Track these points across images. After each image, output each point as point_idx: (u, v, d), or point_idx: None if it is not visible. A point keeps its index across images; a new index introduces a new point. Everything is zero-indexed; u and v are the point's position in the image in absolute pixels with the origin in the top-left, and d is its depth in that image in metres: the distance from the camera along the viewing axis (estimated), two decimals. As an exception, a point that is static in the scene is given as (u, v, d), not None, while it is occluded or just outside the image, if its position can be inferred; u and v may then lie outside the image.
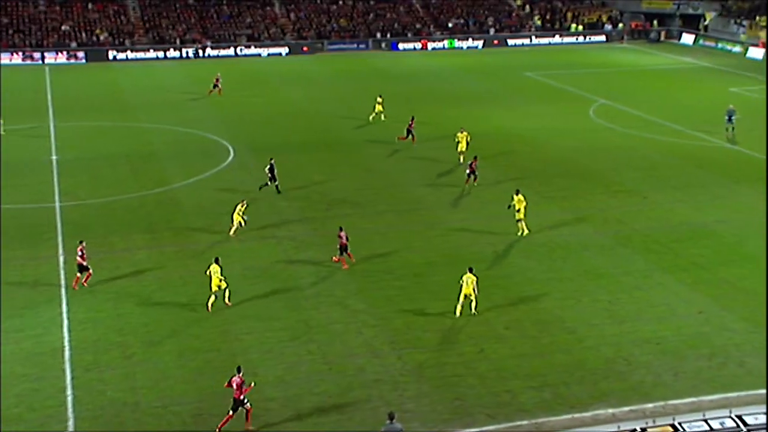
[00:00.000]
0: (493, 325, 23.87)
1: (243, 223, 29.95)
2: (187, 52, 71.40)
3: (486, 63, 69.36)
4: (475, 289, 24.08)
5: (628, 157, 40.06)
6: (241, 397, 19.14)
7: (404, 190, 35.67)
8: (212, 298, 24.54)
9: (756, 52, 71.97)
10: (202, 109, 51.20)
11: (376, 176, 37.53)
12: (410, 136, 41.64)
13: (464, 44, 77.95)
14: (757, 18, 70.50)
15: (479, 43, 78.21)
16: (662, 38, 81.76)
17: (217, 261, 24.96)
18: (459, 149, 38.25)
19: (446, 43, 77.66)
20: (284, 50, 73.61)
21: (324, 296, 25.67)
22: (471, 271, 24.38)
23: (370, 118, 47.08)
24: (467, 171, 34.85)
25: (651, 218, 31.95)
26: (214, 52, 72.03)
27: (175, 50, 71.48)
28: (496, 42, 78.50)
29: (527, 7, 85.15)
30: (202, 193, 34.74)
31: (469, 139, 38.36)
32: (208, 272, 24.82)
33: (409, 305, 25.07)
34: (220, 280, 24.41)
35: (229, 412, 19.19)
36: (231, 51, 72.52)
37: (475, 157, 35.45)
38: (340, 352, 22.22)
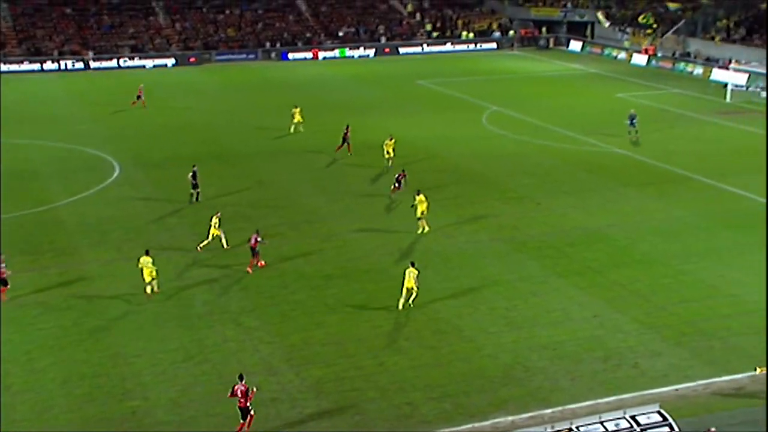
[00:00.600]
0: (393, 337, 24.01)
1: (222, 240, 29.49)
2: (65, 65, 69.18)
3: (378, 72, 70.02)
4: (417, 283, 25.03)
5: (521, 164, 41.12)
6: (248, 404, 19.52)
7: (299, 201, 35.54)
8: (148, 288, 26.05)
9: (639, 59, 75.28)
10: (85, 123, 49.69)
11: (269, 188, 37.29)
12: (346, 145, 41.75)
13: (355, 53, 78.41)
14: (640, 19, 74.28)
15: (371, 52, 78.83)
16: (551, 45, 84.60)
17: (147, 252, 26.24)
18: (386, 156, 39.06)
19: (337, 52, 77.94)
20: (170, 61, 72.32)
21: (218, 314, 25.29)
22: (413, 265, 25.42)
23: (291, 129, 47.04)
24: (395, 181, 35.00)
25: (545, 224, 32.88)
26: (96, 64, 70.09)
27: (53, 62, 69.19)
28: (387, 50, 79.30)
29: (418, 15, 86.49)
30: (87, 211, 33.76)
31: (394, 146, 39.25)
32: (139, 265, 26.09)
33: (306, 320, 24.95)
34: (152, 271, 25.88)
35: (240, 421, 19.49)
36: (113, 63, 70.74)
37: (404, 171, 35.71)
38: (236, 371, 21.92)
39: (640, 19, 75.33)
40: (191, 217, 33.33)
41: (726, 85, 59.70)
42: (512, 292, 26.85)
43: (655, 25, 75.70)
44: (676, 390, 21.30)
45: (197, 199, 34.64)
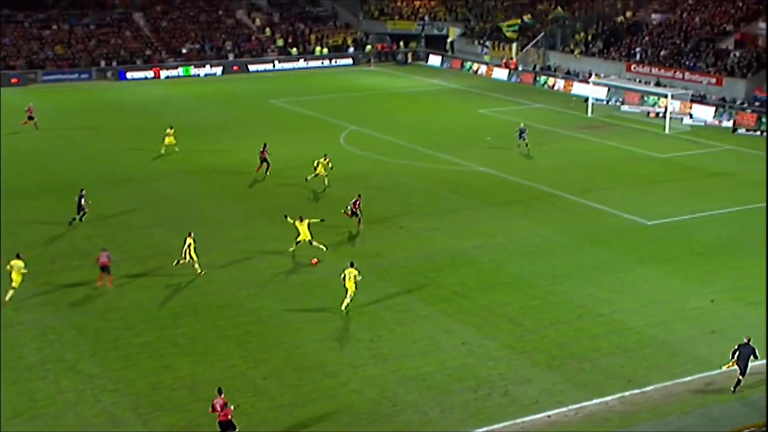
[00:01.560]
0: (249, 377, 23.75)
1: (196, 263, 29.96)
2: None
3: (227, 91, 69.55)
4: (356, 285, 26.81)
5: (382, 185, 41.73)
6: (229, 417, 20.31)
7: (141, 234, 34.69)
8: (11, 292, 27.50)
9: (500, 73, 78.32)
10: None
11: (109, 223, 36.20)
12: (264, 165, 42.30)
13: (201, 71, 77.64)
14: (507, 27, 77.45)
15: (218, 70, 78.18)
16: (409, 60, 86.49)
17: (18, 256, 27.90)
18: (317, 175, 40.22)
19: (181, 70, 76.88)
20: (-13, 82, 69.26)
21: (51, 362, 24.30)
22: (352, 265, 27.21)
23: (162, 150, 46.85)
24: (350, 211, 34.72)
25: (409, 248, 33.44)
26: None
27: None
28: (236, 68, 78.85)
29: (267, 29, 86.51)
30: None
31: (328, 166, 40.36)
32: (9, 267, 27.55)
33: (154, 363, 24.34)
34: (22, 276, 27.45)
35: None
36: None
37: (359, 196, 35.67)
38: (73, 425, 21.02)
39: (504, 29, 78.36)
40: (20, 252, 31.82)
41: (587, 99, 62.94)
42: (377, 322, 27.10)
43: (515, 38, 78.96)
44: (549, 417, 22.05)
45: (80, 219, 35.23)
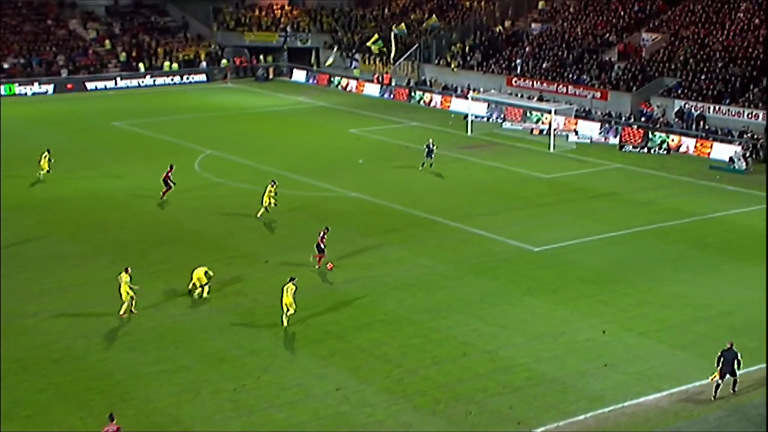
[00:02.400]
0: (93, 441, 22.93)
1: (133, 298, 30.43)
2: None
3: (61, 112, 67.79)
4: (294, 300, 29.10)
5: (243, 217, 41.37)
6: None
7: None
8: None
9: (372, 89, 79.30)
10: None
11: None
12: (168, 188, 43.28)
13: (28, 89, 75.53)
14: (373, 43, 78.37)
15: (49, 88, 76.16)
16: (271, 76, 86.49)
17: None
18: (268, 204, 40.63)
19: (3, 89, 74.34)
20: None
21: None
22: (292, 280, 29.66)
23: (39, 174, 47.01)
24: (318, 245, 34.87)
25: (275, 285, 33.04)
26: None
27: None
28: (70, 86, 76.99)
29: (107, 42, 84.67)
30: None
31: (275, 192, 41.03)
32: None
33: (-23, 432, 23.20)
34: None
35: None
36: None
37: (327, 228, 35.56)
38: None
39: (370, 43, 79.43)
40: None
41: (466, 116, 64.45)
42: (240, 370, 26.72)
43: (386, 51, 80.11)
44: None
45: None
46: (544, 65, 71.35)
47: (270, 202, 40.81)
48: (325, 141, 59.35)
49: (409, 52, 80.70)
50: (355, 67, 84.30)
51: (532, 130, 62.81)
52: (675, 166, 53.18)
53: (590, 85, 66.90)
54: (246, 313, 30.83)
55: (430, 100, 74.08)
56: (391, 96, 77.36)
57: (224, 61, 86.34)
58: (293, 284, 29.61)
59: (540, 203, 44.72)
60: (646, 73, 65.64)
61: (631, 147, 57.74)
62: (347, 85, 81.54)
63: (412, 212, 42.65)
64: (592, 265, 35.87)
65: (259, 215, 40.83)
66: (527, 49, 74.87)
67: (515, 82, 71.06)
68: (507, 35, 78.87)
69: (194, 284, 31.99)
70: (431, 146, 50.61)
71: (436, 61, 79.92)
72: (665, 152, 56.71)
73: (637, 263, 36.04)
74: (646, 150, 57.23)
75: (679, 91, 62.09)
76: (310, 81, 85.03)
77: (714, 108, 59.40)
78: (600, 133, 60.79)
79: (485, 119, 66.30)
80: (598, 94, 65.52)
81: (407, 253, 36.89)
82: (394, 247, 37.58)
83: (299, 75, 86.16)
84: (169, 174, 43.50)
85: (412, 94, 75.88)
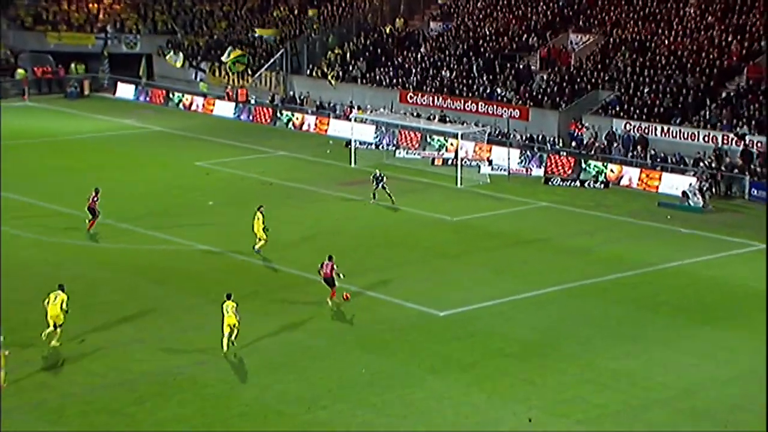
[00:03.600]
0: None
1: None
2: None
3: None
4: (238, 317, 33.04)
5: (49, 279, 40.16)
6: None
7: None
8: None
9: (224, 108, 79.04)
10: None
11: None
12: (95, 217, 46.82)
13: None
14: (228, 57, 77.77)
15: None
16: (87, 91, 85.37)
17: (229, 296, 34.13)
18: (256, 232, 44.09)
19: None
20: None
21: None
22: (229, 297, 33.44)
23: None
24: (325, 274, 38.24)
25: (95, 373, 32.02)
26: None
27: None
28: None
29: None
30: None
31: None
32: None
33: None
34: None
35: None
36: None
37: (330, 258, 38.60)
38: None
39: (228, 59, 78.83)
40: None
41: (348, 142, 64.56)
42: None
43: (244, 60, 79.96)
44: None
45: None
46: (446, 76, 72.31)
47: (260, 233, 44.11)
48: (163, 178, 58.86)
49: (272, 60, 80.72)
50: (201, 80, 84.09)
51: (433, 159, 63.40)
52: (615, 204, 54.33)
53: (506, 101, 68.04)
54: (52, 412, 29.71)
55: (302, 123, 74.33)
56: (250, 117, 77.40)
57: (20, 71, 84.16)
58: (232, 302, 33.50)
59: (445, 254, 44.92)
60: (576, 85, 67.07)
61: (559, 180, 58.71)
62: (191, 102, 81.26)
63: (280, 269, 42.31)
64: (513, 333, 35.95)
65: (257, 248, 43.91)
66: (425, 55, 75.71)
67: (410, 98, 71.96)
68: (399, 37, 79.71)
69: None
70: (380, 177, 52.48)
71: (309, 72, 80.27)
72: (602, 186, 57.91)
73: (571, 330, 36.28)
74: (578, 183, 58.26)
75: (618, 108, 63.60)
76: (141, 98, 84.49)
77: (662, 129, 61.01)
78: (520, 162, 61.80)
79: (373, 146, 66.78)
80: (517, 113, 66.66)
81: (273, 324, 36.40)
82: (255, 315, 37.02)
83: (125, 90, 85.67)
84: (95, 200, 46.23)
85: (278, 114, 76.02)
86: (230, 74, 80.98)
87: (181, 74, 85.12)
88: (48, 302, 33.91)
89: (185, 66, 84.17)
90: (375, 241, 46.84)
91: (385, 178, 52.53)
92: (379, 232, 48.22)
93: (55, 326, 33.78)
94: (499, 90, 68.97)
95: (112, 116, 76.89)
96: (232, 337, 33.40)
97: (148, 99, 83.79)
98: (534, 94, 67.52)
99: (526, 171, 60.99)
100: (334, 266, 38.17)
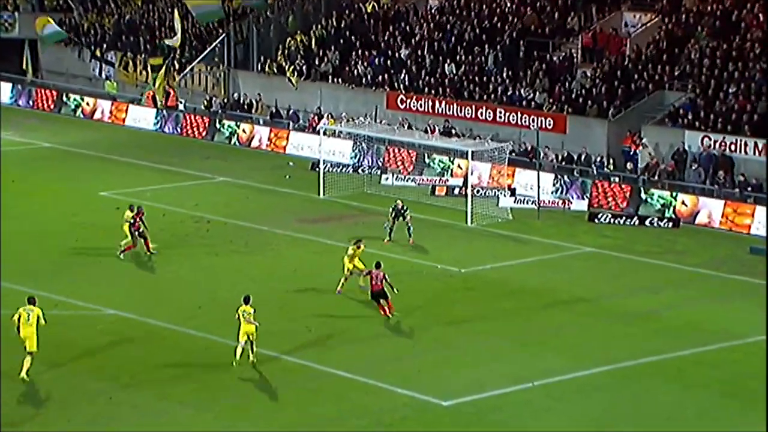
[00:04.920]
0: None
1: None
2: None
3: None
4: (256, 327, 38.99)
5: None
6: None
7: None
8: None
9: (141, 116, 79.18)
10: None
11: None
12: (144, 238, 51.86)
13: None
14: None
15: None
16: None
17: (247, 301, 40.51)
18: (350, 269, 47.78)
19: None
20: None
21: None
22: (247, 302, 39.54)
23: None
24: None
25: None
26: None
27: None
28: None
29: None
30: None
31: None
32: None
33: None
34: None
35: None
36: None
37: (378, 265, 44.74)
38: None
39: (152, 61, 78.92)
40: None
41: (315, 164, 64.52)
42: None
43: (172, 52, 79.83)
44: None
45: None
46: (451, 71, 72.39)
47: (354, 266, 47.63)
48: (55, 214, 58.90)
49: (209, 50, 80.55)
50: (108, 77, 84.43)
51: (433, 188, 63.56)
52: (689, 249, 54.30)
53: (534, 106, 68.01)
54: None
55: (250, 137, 74.70)
56: (178, 129, 77.68)
57: None
58: (250, 306, 39.46)
59: (451, 319, 44.83)
60: (633, 84, 66.97)
61: (609, 216, 58.50)
62: (94, 108, 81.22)
63: (216, 339, 42.11)
64: (546, 430, 35.78)
65: (339, 288, 47.60)
66: (420, 41, 75.58)
67: (401, 102, 72.23)
68: (384, 17, 79.53)
69: None
70: (401, 208, 53.91)
71: (260, 67, 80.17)
72: (670, 224, 57.81)
73: (630, 426, 36.07)
74: (636, 221, 58.12)
75: (691, 116, 63.30)
76: (22, 102, 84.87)
77: (754, 145, 60.63)
78: (554, 191, 62.02)
79: (350, 169, 66.79)
80: (550, 123, 66.63)
81: (209, 418, 36.20)
82: (183, 407, 36.86)
83: (2, 90, 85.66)
84: (140, 218, 51.50)
85: (217, 125, 76.14)
86: (148, 69, 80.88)
87: (79, 68, 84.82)
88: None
89: (82, 60, 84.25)
90: (351, 302, 46.72)
91: (409, 212, 53.79)
92: (358, 288, 48.06)
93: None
94: (524, 91, 69.02)
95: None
96: (253, 349, 39.43)
97: (31, 103, 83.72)
98: (574, 96, 67.48)
99: (563, 203, 60.94)
100: (385, 275, 44.22)
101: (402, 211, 53.92)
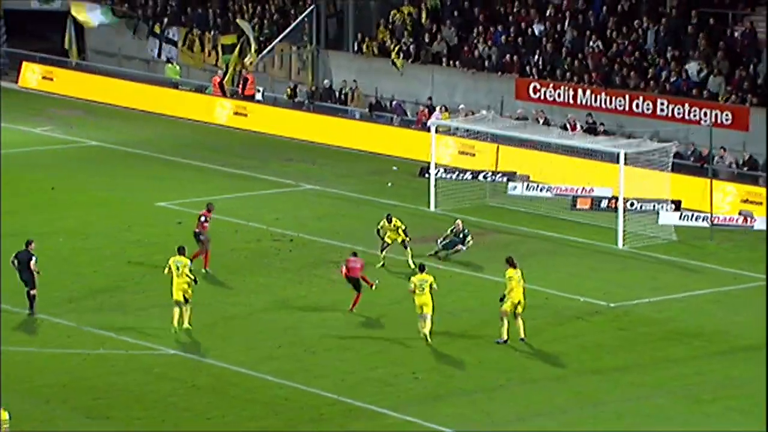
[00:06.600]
0: None
1: None
2: None
3: None
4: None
5: None
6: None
7: None
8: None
9: (208, 107, 79.40)
10: None
11: None
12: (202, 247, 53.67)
13: None
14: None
15: None
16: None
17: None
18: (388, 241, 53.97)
19: None
20: None
21: None
22: (423, 269, 46.01)
23: None
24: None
25: None
26: None
27: None
28: None
29: None
30: None
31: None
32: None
33: None
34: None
35: None
36: None
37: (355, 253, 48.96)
38: None
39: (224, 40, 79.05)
40: None
41: (425, 169, 63.67)
42: None
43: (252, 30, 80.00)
44: None
45: None
46: (595, 50, 71.85)
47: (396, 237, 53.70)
48: (104, 228, 59.49)
49: (293, 26, 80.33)
50: (169, 59, 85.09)
51: (575, 200, 63.27)
52: None
53: (707, 96, 67.25)
54: None
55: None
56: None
57: None
58: (427, 274, 45.58)
59: (598, 367, 44.42)
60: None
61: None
62: (152, 98, 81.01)
63: (298, 387, 42.14)
64: None
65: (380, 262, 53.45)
66: (559, 13, 74.79)
67: (535, 90, 72.02)
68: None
69: None
70: (462, 230, 54.89)
71: (356, 47, 79.93)
72: None
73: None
74: None
75: None
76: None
77: None
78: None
79: (469, 176, 66.37)
80: (728, 117, 65.88)
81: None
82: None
83: (33, 75, 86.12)
84: (207, 220, 53.74)
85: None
86: (218, 47, 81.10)
87: (134, 48, 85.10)
88: None
89: (137, 36, 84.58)
90: (465, 342, 46.29)
91: (471, 238, 53.50)
92: (478, 321, 47.78)
93: None
94: (693, 76, 68.10)
95: (14, 121, 77.45)
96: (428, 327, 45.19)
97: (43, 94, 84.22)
98: (759, 83, 66.51)
99: (746, 221, 59.96)
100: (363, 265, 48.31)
101: (462, 236, 54.77)
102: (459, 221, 55.49)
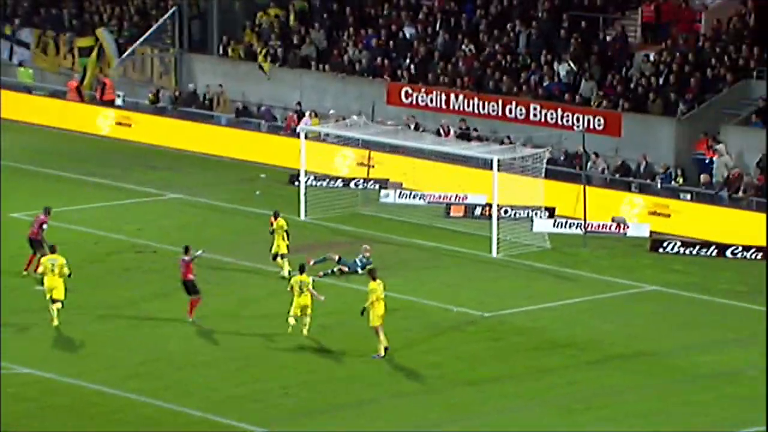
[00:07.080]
0: None
1: None
2: None
3: None
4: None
5: None
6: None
7: None
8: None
9: (67, 114, 79.46)
10: None
11: None
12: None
13: None
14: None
15: None
16: None
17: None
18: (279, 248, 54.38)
19: None
20: None
21: None
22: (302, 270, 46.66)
23: None
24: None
25: None
26: None
27: None
28: None
29: None
30: None
31: None
32: None
33: None
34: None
35: None
36: None
37: (187, 249, 48.40)
38: None
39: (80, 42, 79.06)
40: None
41: (295, 177, 64.60)
42: None
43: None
44: None
45: None
46: (468, 53, 72.70)
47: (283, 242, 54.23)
48: None
49: (155, 27, 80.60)
50: (20, 62, 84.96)
51: (449, 207, 63.86)
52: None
53: (580, 101, 68.32)
54: None
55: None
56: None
57: None
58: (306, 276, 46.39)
59: (470, 377, 44.96)
60: (710, 71, 67.04)
61: (678, 244, 58.66)
62: (2, 104, 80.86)
63: (161, 405, 42.13)
64: None
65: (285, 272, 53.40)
66: (430, 14, 75.60)
67: (406, 95, 72.70)
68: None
69: None
70: (364, 260, 55.15)
71: (220, 50, 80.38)
72: (759, 255, 57.83)
73: None
74: (714, 250, 58.22)
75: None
76: None
77: None
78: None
79: (339, 183, 67.14)
80: (600, 122, 66.95)
81: None
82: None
83: None
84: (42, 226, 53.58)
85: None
86: (74, 49, 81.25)
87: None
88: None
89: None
90: (340, 350, 46.96)
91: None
92: (351, 335, 48.28)
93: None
94: (565, 81, 69.20)
95: None
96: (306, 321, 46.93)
97: None
98: (632, 87, 67.66)
99: (618, 228, 61.09)
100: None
101: (362, 264, 54.98)
102: (366, 246, 55.88)
